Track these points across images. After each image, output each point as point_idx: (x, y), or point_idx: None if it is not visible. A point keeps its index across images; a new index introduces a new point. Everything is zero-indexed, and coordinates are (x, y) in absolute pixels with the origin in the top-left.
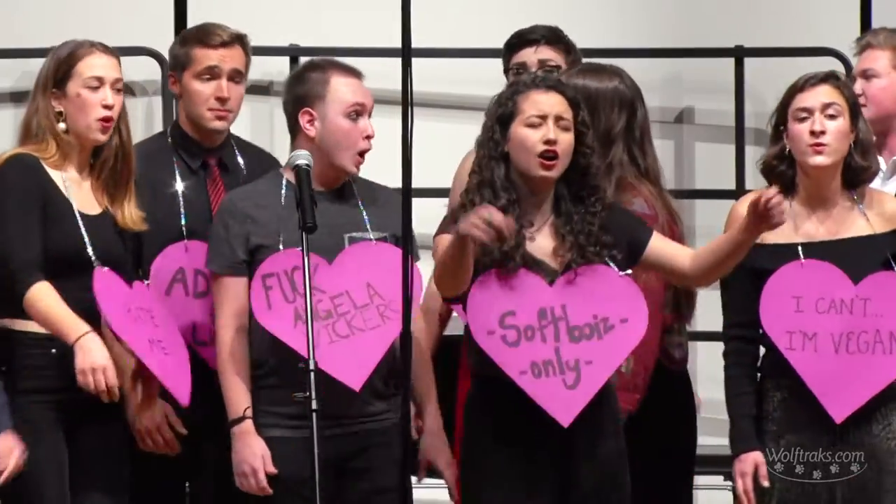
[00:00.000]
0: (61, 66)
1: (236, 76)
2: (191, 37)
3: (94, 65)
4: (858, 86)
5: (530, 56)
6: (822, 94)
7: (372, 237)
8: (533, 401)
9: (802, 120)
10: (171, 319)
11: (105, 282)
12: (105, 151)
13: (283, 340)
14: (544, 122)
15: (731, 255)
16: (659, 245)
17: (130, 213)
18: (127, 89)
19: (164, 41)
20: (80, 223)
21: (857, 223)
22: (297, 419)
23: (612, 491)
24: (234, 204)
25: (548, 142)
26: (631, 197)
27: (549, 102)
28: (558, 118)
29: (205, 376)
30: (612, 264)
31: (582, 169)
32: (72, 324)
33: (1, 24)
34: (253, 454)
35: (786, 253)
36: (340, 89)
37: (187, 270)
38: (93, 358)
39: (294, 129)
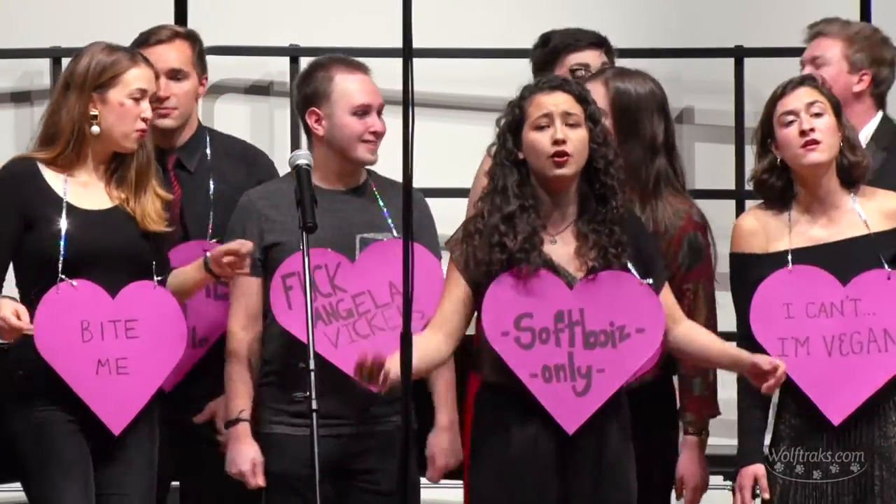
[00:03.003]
0: (106, 71)
1: (176, 74)
2: (135, 41)
3: (140, 76)
4: (806, 72)
5: (595, 59)
6: (804, 95)
7: (384, 238)
8: (539, 409)
9: (789, 124)
10: (170, 329)
11: (63, 299)
12: (128, 158)
13: (302, 341)
14: (551, 122)
15: (713, 364)
16: (662, 296)
17: (150, 213)
18: None
19: None
20: (63, 231)
21: (852, 223)
22: (300, 417)
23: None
24: (250, 203)
25: (556, 142)
26: (687, 207)
27: (553, 101)
28: (565, 115)
29: (202, 376)
30: (633, 270)
31: (596, 164)
32: None
33: (1, 24)
34: (244, 459)
35: (779, 261)
36: (346, 88)
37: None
38: None
39: (307, 129)
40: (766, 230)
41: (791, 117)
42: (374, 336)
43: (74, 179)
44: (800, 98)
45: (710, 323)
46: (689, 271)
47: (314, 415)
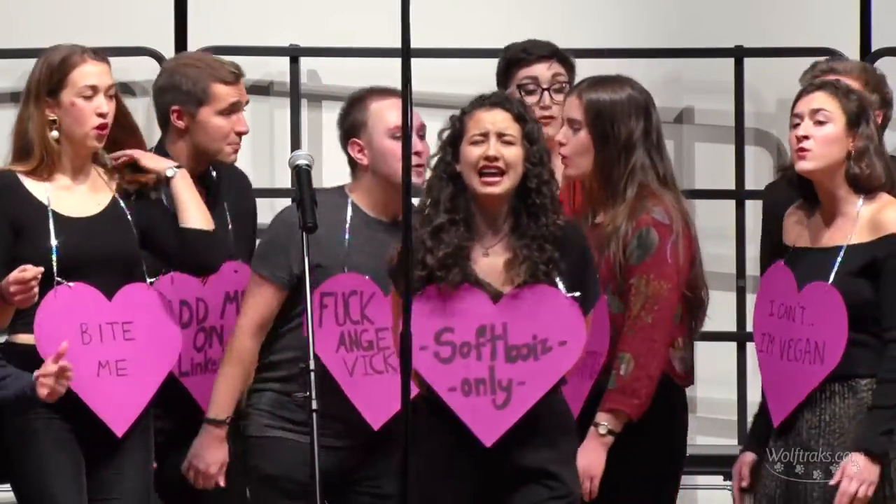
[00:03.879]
0: (54, 75)
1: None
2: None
3: (87, 73)
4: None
5: (543, 71)
6: (814, 101)
7: None
8: (459, 423)
9: (795, 126)
10: (164, 330)
11: (61, 301)
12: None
13: (323, 361)
14: (486, 139)
15: None
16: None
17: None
18: (127, 89)
19: (164, 41)
20: (53, 241)
21: (842, 232)
22: (300, 424)
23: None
24: (297, 221)
25: (487, 158)
26: (651, 205)
27: (490, 119)
28: (500, 134)
29: (175, 390)
30: (561, 284)
31: (530, 183)
32: None
33: (1, 24)
34: (214, 460)
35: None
36: (381, 112)
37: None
38: None
39: (351, 164)
40: (793, 224)
41: (796, 120)
42: (387, 374)
43: (56, 185)
44: (808, 103)
45: (643, 321)
46: (636, 265)
47: (314, 414)
